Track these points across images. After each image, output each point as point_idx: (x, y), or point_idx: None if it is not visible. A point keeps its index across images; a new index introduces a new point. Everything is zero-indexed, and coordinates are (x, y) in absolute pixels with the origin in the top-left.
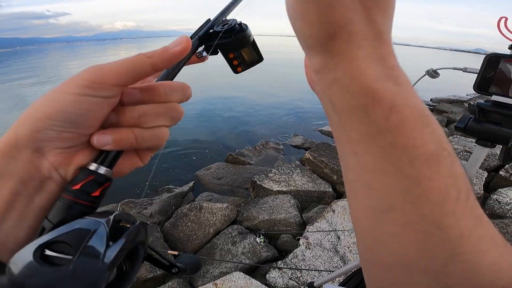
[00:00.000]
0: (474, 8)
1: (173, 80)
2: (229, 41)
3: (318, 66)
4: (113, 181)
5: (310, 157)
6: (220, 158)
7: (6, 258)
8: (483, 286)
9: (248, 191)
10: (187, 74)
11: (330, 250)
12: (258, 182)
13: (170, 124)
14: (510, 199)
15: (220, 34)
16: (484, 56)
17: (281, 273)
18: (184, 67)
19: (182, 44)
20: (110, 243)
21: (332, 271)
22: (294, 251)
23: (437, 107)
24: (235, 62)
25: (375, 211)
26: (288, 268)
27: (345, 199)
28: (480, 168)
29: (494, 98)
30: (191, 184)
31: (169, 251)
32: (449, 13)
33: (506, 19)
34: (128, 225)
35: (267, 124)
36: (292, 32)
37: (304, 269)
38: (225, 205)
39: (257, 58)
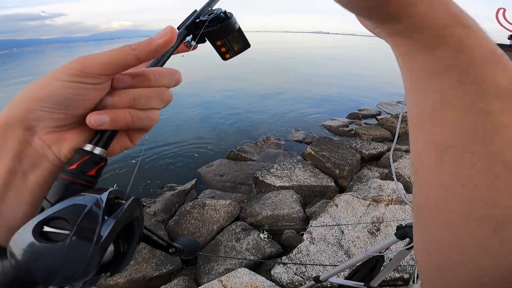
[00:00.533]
0: (477, 2)
1: (163, 66)
2: (215, 29)
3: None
4: (108, 161)
5: (312, 152)
6: (221, 155)
7: (6, 241)
8: None
9: (250, 187)
10: (189, 72)
11: (334, 245)
12: (260, 178)
13: (161, 107)
14: None
15: (206, 23)
16: None
17: (286, 269)
18: (190, 62)
19: (167, 35)
20: (106, 217)
21: (337, 265)
22: (298, 246)
23: None
24: (223, 49)
25: (439, 147)
26: (292, 263)
27: (347, 193)
28: None
29: None
30: (193, 181)
31: None
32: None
33: (505, 10)
34: (122, 201)
35: (267, 119)
36: (289, 28)
37: (308, 264)
38: (228, 201)
39: (244, 44)
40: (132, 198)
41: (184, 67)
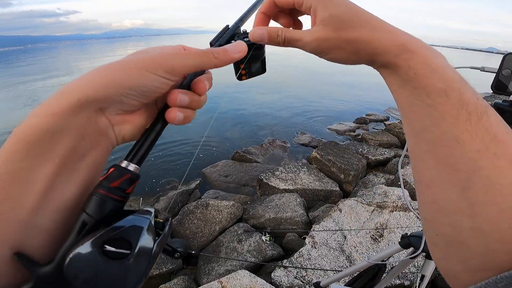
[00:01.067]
0: (481, 4)
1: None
2: (249, 55)
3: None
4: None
5: (317, 156)
6: (226, 156)
7: (49, 223)
8: (507, 208)
9: (254, 189)
10: None
11: (336, 250)
12: (264, 180)
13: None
14: None
15: (251, 52)
16: (496, 55)
17: (286, 272)
18: None
19: (242, 52)
20: (156, 238)
21: (338, 271)
22: (299, 250)
23: None
24: (243, 72)
25: (414, 133)
26: (293, 267)
27: (352, 198)
28: None
29: None
30: (197, 181)
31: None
32: (457, 9)
33: None
34: (160, 220)
35: (273, 121)
36: None
37: (309, 268)
38: (231, 202)
39: (261, 70)
40: (170, 219)
41: None
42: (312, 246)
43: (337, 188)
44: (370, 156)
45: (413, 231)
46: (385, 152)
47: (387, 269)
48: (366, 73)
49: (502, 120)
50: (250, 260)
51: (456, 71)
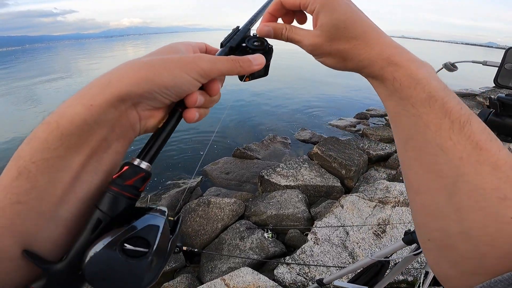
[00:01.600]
0: (480, 0)
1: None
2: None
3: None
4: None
5: (318, 151)
6: (227, 153)
7: (72, 211)
8: (492, 213)
9: (255, 185)
10: None
11: (339, 246)
12: (265, 177)
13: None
14: None
15: (267, 62)
16: (496, 49)
17: (289, 269)
18: None
19: (261, 65)
20: (170, 236)
21: (341, 267)
22: (302, 247)
23: None
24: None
25: (402, 141)
26: (296, 264)
27: (353, 194)
28: None
29: None
30: (199, 179)
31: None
32: (457, 5)
33: None
34: (172, 218)
35: (274, 118)
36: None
37: (312, 265)
38: (232, 200)
39: (264, 72)
40: (181, 217)
41: None
42: (314, 243)
43: (339, 184)
44: (371, 151)
45: None
46: (386, 147)
47: (390, 266)
48: None
49: (485, 128)
50: (253, 257)
51: (441, 81)
